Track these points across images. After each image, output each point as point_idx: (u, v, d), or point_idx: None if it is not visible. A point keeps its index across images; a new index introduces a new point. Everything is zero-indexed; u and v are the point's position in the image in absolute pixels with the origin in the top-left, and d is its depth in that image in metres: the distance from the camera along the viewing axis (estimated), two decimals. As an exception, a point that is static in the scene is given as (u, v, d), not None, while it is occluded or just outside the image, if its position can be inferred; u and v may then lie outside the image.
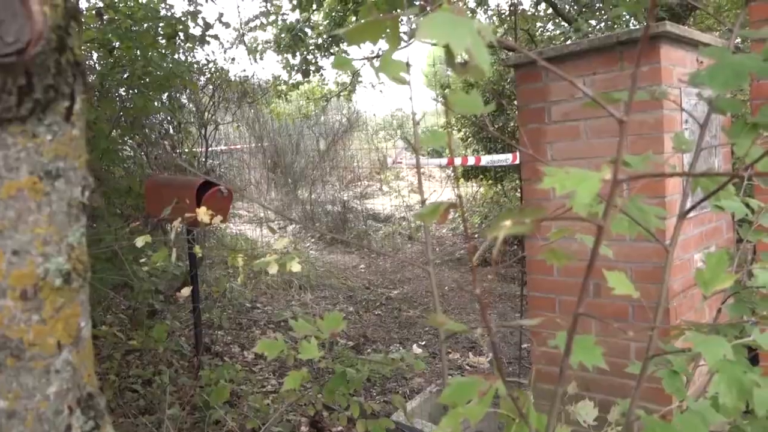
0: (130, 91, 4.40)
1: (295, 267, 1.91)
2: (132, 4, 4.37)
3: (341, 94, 9.88)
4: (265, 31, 8.26)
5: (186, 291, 2.66)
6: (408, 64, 0.90)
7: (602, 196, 0.73)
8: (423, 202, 1.10)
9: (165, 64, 4.34)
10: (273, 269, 1.88)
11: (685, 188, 1.11)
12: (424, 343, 4.98)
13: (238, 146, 10.35)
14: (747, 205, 1.28)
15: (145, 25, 4.23)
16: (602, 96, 0.92)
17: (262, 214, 9.31)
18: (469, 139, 8.54)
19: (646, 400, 2.24)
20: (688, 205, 1.01)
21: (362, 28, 0.73)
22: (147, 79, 4.25)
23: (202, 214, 2.02)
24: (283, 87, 8.94)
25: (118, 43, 4.07)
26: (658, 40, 2.31)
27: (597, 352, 0.84)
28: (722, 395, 0.80)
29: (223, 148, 9.32)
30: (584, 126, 2.55)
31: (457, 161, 7.08)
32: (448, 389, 0.81)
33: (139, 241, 2.03)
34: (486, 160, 6.79)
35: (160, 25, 4.31)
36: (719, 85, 0.72)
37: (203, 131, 6.20)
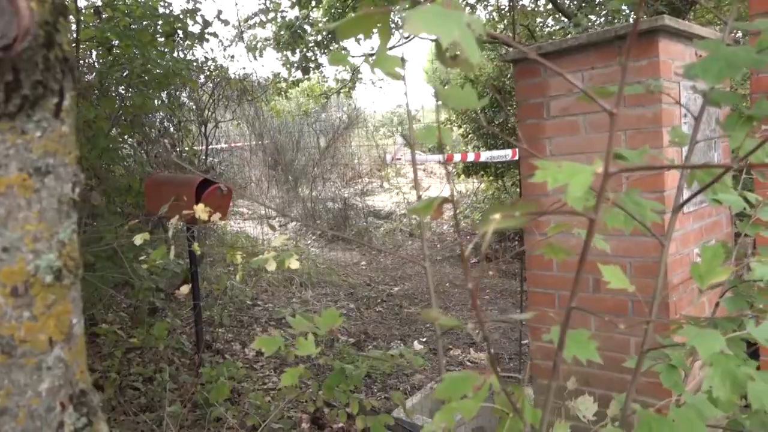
0: (130, 90, 4.40)
1: (294, 264, 1.90)
2: (130, 2, 4.37)
3: (341, 91, 9.86)
4: (264, 28, 8.27)
5: (186, 289, 2.67)
6: (403, 60, 0.89)
7: (597, 189, 0.73)
8: (419, 197, 1.09)
9: (164, 62, 4.34)
10: (271, 266, 1.87)
11: (680, 182, 1.10)
12: (425, 339, 4.98)
13: (239, 144, 10.35)
14: (745, 199, 1.28)
15: (144, 23, 4.23)
16: (598, 90, 0.92)
17: (263, 212, 9.31)
18: (470, 136, 8.53)
19: (646, 395, 2.24)
20: (683, 198, 1.01)
21: (353, 23, 0.72)
22: (146, 77, 4.25)
23: (200, 211, 2.02)
24: (283, 84, 8.93)
25: (117, 42, 4.06)
26: (656, 34, 2.30)
27: (591, 347, 0.83)
28: (716, 389, 0.79)
29: (223, 145, 9.32)
30: (583, 121, 2.55)
31: (457, 157, 7.07)
32: (442, 384, 0.81)
33: (138, 239, 2.03)
34: (485, 156, 6.78)
35: (159, 23, 4.31)
36: (713, 77, 0.72)
37: (203, 129, 6.20)
